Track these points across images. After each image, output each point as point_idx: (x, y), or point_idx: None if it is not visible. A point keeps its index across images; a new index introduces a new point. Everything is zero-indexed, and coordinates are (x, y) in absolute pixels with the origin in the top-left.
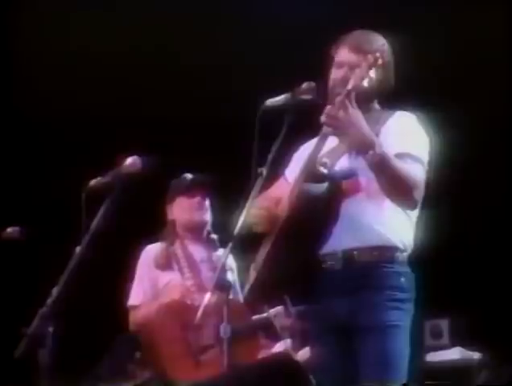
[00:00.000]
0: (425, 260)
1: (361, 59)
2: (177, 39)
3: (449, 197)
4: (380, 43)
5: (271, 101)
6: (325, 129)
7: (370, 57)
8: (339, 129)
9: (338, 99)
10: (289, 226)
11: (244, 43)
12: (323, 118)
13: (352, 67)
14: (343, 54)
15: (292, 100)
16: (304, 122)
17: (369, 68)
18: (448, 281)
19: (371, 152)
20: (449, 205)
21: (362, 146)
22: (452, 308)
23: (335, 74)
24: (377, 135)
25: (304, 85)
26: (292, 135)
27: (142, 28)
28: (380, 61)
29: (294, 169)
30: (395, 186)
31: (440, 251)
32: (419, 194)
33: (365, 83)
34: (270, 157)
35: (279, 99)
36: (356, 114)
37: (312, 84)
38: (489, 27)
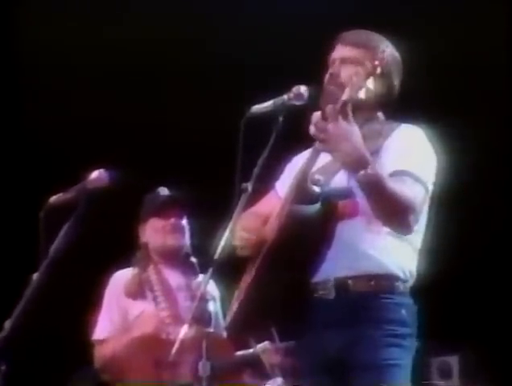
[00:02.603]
0: (430, 290)
1: (362, 55)
2: (158, 46)
3: (456, 221)
4: (381, 48)
5: (258, 107)
6: (318, 144)
7: (368, 64)
8: (328, 144)
9: (329, 109)
10: (277, 251)
11: (228, 44)
12: (311, 130)
13: (352, 62)
14: (341, 50)
15: (282, 106)
16: (295, 131)
17: (367, 77)
18: (457, 313)
19: (362, 172)
20: (456, 230)
21: (354, 165)
22: (461, 343)
23: (333, 70)
24: (378, 150)
25: (295, 89)
26: (281, 146)
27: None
28: (379, 70)
29: (285, 182)
30: (387, 209)
31: (447, 280)
32: (415, 218)
33: (362, 94)
34: (255, 170)
35: (267, 105)
36: (348, 128)
37: (304, 87)
38: (494, 39)
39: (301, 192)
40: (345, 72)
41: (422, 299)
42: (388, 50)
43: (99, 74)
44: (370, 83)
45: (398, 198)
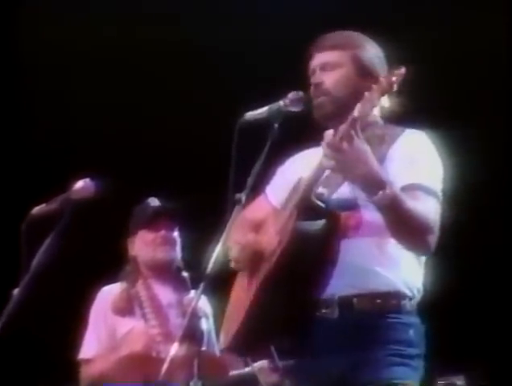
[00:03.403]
0: (434, 306)
1: (341, 57)
2: (149, 54)
3: (463, 234)
4: (362, 46)
5: (252, 114)
6: (325, 161)
7: (383, 81)
8: (343, 165)
9: (342, 127)
10: (281, 269)
11: (221, 49)
12: (324, 149)
13: (333, 66)
14: (319, 57)
15: (277, 113)
16: (291, 139)
17: (382, 95)
18: (463, 331)
19: (381, 192)
20: (461, 244)
21: (371, 187)
22: (468, 362)
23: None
24: (383, 158)
25: (292, 95)
26: (277, 154)
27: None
28: (395, 87)
29: (278, 188)
30: (407, 230)
31: (452, 296)
32: (434, 237)
33: (376, 111)
34: (250, 180)
35: (261, 111)
36: (363, 147)
37: (301, 93)
38: (499, 40)
39: (305, 208)
40: (329, 79)
41: (425, 316)
42: (373, 50)
43: (85, 79)
44: (386, 101)
45: (417, 218)
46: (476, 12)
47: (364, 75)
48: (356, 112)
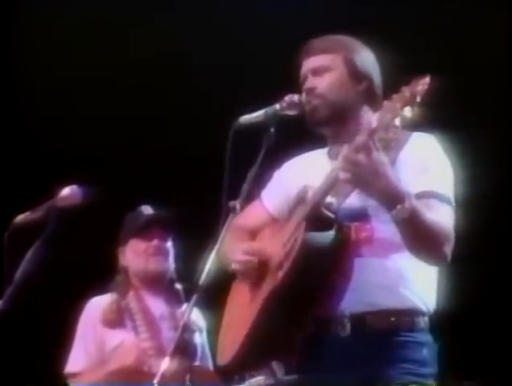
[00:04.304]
0: (448, 323)
1: (332, 60)
2: (142, 59)
3: (477, 242)
4: (352, 48)
5: (247, 118)
6: (342, 174)
7: (407, 92)
8: (360, 178)
9: (359, 139)
10: (288, 282)
11: (214, 53)
12: (340, 161)
13: (325, 70)
14: (309, 62)
15: (274, 116)
16: (287, 143)
17: (404, 106)
18: (478, 349)
19: (399, 206)
20: (475, 253)
21: (390, 201)
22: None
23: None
24: (393, 163)
25: (288, 98)
26: (273, 159)
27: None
28: (418, 98)
29: (274, 193)
30: (424, 242)
31: (466, 311)
32: (451, 246)
33: (397, 122)
34: (245, 187)
35: (257, 115)
36: (381, 160)
37: (298, 96)
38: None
39: (314, 219)
40: (322, 82)
41: (438, 333)
42: (364, 52)
43: (73, 84)
44: (408, 111)
45: (434, 228)
46: (486, 11)
47: (357, 78)
48: (374, 124)
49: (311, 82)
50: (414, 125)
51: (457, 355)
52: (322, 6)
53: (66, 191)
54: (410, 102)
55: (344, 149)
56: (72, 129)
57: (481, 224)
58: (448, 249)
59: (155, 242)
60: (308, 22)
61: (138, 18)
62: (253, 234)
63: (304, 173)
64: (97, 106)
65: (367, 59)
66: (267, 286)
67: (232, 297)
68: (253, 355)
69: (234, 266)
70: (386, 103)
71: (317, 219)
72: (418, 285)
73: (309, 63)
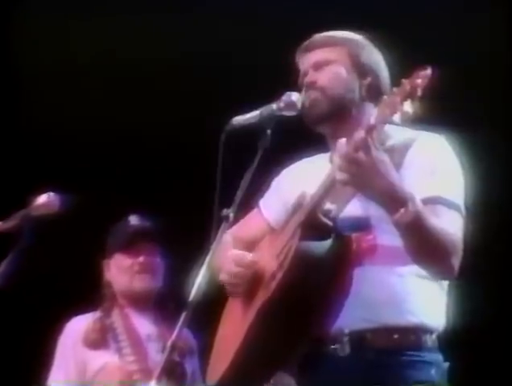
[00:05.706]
0: (458, 341)
1: (334, 53)
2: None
3: (489, 254)
4: (356, 42)
5: (240, 119)
6: (338, 175)
7: (407, 85)
8: (359, 178)
9: (358, 136)
10: (280, 296)
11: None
12: (337, 160)
13: (327, 63)
14: (309, 58)
15: (270, 117)
16: (285, 147)
17: (404, 99)
18: (488, 368)
19: (402, 210)
20: (487, 265)
21: (392, 203)
22: None
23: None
24: (398, 167)
25: (286, 97)
26: (269, 164)
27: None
28: (419, 91)
29: (273, 202)
30: (430, 252)
31: (478, 328)
32: (458, 258)
33: (397, 118)
34: (239, 194)
35: (252, 116)
36: (382, 158)
37: (296, 95)
38: None
39: (311, 227)
40: (323, 76)
41: (447, 351)
42: (368, 46)
43: (57, 87)
44: (408, 106)
45: (441, 237)
46: (492, 12)
47: (361, 71)
48: (373, 119)
49: (311, 76)
50: (416, 122)
51: (469, 375)
52: (322, 5)
53: (42, 199)
54: (410, 96)
55: (340, 147)
56: (51, 130)
57: (494, 235)
58: (456, 261)
59: (142, 258)
60: (307, 20)
61: (138, 18)
62: (251, 245)
63: (305, 180)
64: (79, 107)
65: (373, 54)
66: (259, 299)
67: (226, 313)
68: (244, 373)
69: (222, 277)
70: (385, 97)
71: (313, 227)
72: (425, 301)
73: (311, 58)
